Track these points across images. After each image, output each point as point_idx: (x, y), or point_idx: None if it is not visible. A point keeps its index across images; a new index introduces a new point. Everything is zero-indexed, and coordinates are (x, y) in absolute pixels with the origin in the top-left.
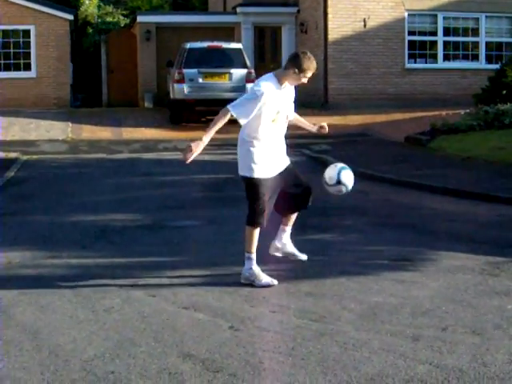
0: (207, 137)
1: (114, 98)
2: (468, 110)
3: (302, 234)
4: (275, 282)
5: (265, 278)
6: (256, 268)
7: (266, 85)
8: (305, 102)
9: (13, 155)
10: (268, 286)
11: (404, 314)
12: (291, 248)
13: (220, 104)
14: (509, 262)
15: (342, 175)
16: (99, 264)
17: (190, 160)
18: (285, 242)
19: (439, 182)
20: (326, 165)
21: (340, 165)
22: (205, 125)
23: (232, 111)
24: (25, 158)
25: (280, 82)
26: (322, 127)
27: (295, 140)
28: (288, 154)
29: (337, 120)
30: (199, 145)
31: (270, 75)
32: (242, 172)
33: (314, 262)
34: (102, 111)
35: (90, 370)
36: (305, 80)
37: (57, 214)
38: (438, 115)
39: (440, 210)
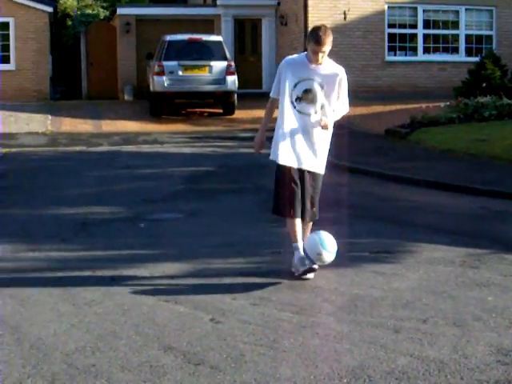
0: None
1: (94, 90)
2: (448, 103)
3: (281, 226)
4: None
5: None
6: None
7: (289, 57)
8: None
9: None
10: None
11: (385, 305)
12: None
13: (200, 97)
14: (489, 253)
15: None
16: (79, 257)
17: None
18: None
19: (420, 174)
20: None
21: (318, 237)
22: (185, 117)
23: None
24: (4, 151)
25: (308, 58)
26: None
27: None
28: (267, 147)
29: None
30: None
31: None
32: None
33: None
34: (81, 104)
35: (71, 363)
36: (320, 55)
37: (36, 208)
38: (418, 108)
39: (420, 202)
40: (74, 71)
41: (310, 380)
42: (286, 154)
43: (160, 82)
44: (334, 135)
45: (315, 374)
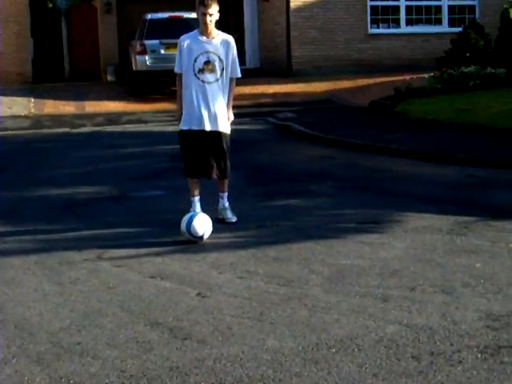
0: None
1: (76, 71)
2: (432, 74)
3: (267, 200)
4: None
5: None
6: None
7: (184, 36)
8: (269, 71)
9: None
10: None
11: (372, 275)
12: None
13: None
14: (477, 221)
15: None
16: (65, 237)
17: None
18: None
19: (405, 145)
20: (291, 132)
21: (189, 216)
22: (168, 96)
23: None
24: None
25: (200, 31)
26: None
27: (259, 108)
28: (252, 122)
29: (301, 87)
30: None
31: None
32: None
33: (280, 227)
34: (64, 85)
35: (57, 342)
36: (208, 18)
37: (22, 189)
38: (402, 80)
39: (407, 172)
40: (55, 53)
41: (298, 351)
42: (185, 121)
43: (142, 61)
44: (319, 109)
45: (303, 345)
